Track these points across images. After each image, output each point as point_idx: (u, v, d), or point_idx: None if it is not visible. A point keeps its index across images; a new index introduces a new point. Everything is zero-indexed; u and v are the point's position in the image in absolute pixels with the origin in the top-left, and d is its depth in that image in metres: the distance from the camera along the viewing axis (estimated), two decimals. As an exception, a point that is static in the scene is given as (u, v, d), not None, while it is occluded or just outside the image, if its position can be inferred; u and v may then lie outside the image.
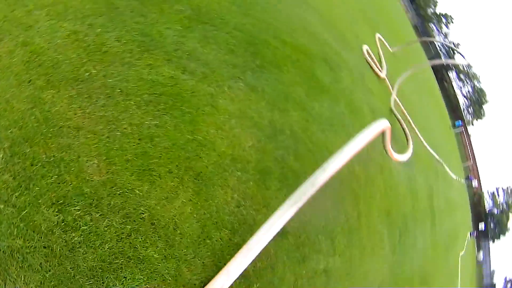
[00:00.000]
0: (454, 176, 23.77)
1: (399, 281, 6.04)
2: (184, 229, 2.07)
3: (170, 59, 2.68)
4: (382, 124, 3.24)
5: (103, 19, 2.61)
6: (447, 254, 15.11)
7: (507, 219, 58.40)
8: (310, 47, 4.77)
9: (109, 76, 2.32)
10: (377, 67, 9.03)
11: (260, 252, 2.31)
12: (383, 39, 12.44)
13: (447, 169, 19.44)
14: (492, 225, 55.81)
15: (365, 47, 8.63)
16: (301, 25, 4.97)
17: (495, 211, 59.63)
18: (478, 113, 58.88)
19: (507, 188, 61.61)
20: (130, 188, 1.97)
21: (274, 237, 2.53)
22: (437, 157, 15.18)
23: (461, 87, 59.32)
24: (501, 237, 57.35)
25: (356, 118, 5.42)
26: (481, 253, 47.43)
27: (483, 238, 42.93)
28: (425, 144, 12.58)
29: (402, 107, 10.33)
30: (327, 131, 4.06)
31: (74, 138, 1.96)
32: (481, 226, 49.49)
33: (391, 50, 12.61)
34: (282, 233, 2.81)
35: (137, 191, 1.99)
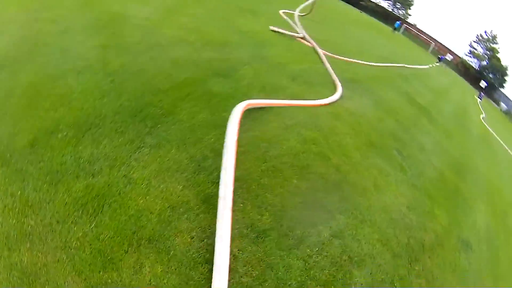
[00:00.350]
0: (425, 66, 24.42)
1: (429, 188, 6.20)
2: (164, 287, 2.36)
3: (78, 175, 3.08)
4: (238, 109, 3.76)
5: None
6: (467, 128, 15.41)
7: (498, 60, 60.40)
8: (193, 75, 5.23)
9: (46, 226, 2.64)
10: (291, 33, 10.04)
11: (247, 262, 2.58)
12: (287, 11, 13.48)
13: (413, 66, 20.00)
14: (491, 75, 57.15)
15: (271, 27, 9.67)
16: (173, 65, 5.43)
17: (484, 63, 61.37)
18: (406, 3, 61.32)
19: (477, 36, 64.02)
20: (104, 281, 2.37)
21: (252, 241, 2.81)
22: (393, 65, 15.74)
23: (376, -5, 61.82)
24: (506, 78, 58.96)
25: (279, 96, 5.80)
26: (501, 104, 48.00)
27: (492, 91, 43.41)
28: (371, 63, 13.13)
29: (332, 54, 10.93)
30: (254, 127, 4.40)
31: (45, 273, 2.34)
32: (483, 83, 51.03)
33: (299, 14, 13.60)
34: (259, 235, 3.08)
35: (110, 280, 2.38)
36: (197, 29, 7.85)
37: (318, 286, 3.02)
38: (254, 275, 2.74)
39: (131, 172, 3.18)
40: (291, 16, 13.52)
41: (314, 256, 3.26)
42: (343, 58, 11.57)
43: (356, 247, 3.71)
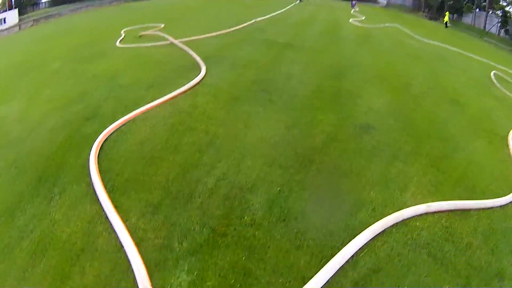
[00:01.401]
0: (282, 10, 26.49)
1: (300, 103, 7.44)
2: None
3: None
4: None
5: None
6: (341, 37, 17.67)
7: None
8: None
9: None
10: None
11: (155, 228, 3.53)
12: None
13: (265, 17, 21.90)
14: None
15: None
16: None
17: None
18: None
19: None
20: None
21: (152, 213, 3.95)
22: (243, 25, 17.34)
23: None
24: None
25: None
26: (379, 1, 55.98)
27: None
28: (224, 31, 14.58)
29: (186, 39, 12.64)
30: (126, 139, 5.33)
31: None
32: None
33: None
34: (156, 207, 4.09)
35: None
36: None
37: (220, 219, 3.93)
38: (163, 235, 3.67)
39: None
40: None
41: (206, 201, 4.21)
42: (193, 38, 13.16)
43: (243, 178, 4.71)
